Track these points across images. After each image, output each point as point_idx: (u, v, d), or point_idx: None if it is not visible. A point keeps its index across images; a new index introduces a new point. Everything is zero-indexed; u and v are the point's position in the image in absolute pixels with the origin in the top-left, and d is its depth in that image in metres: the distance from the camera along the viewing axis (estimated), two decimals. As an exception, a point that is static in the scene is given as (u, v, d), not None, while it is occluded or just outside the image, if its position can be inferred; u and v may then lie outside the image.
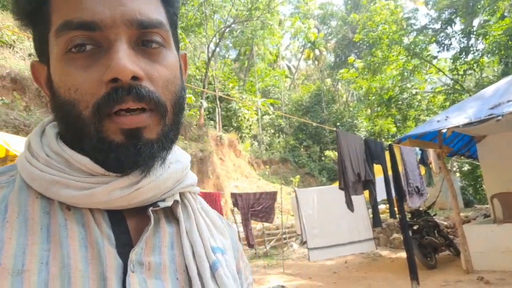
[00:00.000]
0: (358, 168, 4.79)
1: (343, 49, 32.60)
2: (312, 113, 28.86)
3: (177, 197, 0.51)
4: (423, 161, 7.33)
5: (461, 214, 7.69)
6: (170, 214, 0.51)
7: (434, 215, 7.90)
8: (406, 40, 17.49)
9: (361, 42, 20.34)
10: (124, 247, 0.44)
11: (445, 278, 6.22)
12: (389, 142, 6.58)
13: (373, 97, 19.06)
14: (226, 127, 22.92)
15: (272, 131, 28.99)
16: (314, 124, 25.16)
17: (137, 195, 0.45)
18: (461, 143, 8.27)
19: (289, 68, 39.62)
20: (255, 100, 24.70)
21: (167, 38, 0.47)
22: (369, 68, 17.74)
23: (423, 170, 7.37)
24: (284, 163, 23.88)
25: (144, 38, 0.44)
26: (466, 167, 17.65)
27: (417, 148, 7.32)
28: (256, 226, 12.20)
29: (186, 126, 17.08)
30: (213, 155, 16.47)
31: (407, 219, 7.18)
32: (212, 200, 7.85)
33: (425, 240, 6.87)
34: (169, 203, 0.49)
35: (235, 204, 8.02)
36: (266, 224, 11.35)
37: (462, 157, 10.44)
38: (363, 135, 28.43)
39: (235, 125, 23.76)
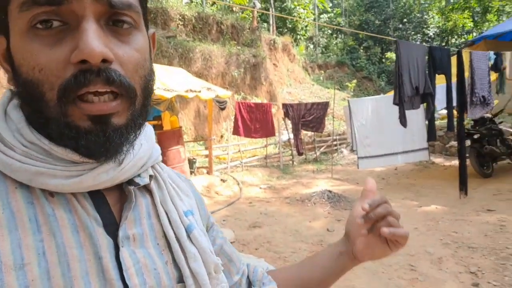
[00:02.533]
0: (417, 81, 4.50)
1: None
2: (376, 8, 26.08)
3: (151, 172, 0.54)
4: (496, 66, 6.62)
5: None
6: (143, 185, 0.52)
7: (500, 122, 7.36)
8: None
9: None
10: (110, 225, 0.47)
11: (498, 187, 6.05)
12: (458, 48, 5.88)
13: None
14: (280, 29, 21.80)
15: (330, 31, 27.10)
16: (377, 21, 22.85)
17: (120, 175, 0.47)
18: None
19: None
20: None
21: (138, 19, 0.45)
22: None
23: (493, 76, 6.68)
24: (340, 67, 22.82)
25: (114, 18, 0.43)
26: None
27: (491, 52, 6.52)
28: (308, 132, 12.41)
29: (239, 30, 16.52)
30: (266, 60, 16.12)
31: (469, 127, 6.86)
32: (264, 110, 8.03)
33: (485, 150, 6.58)
34: (146, 179, 0.52)
35: (286, 114, 8.12)
36: (318, 131, 11.49)
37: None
38: (433, 32, 25.53)
39: (290, 26, 22.48)
